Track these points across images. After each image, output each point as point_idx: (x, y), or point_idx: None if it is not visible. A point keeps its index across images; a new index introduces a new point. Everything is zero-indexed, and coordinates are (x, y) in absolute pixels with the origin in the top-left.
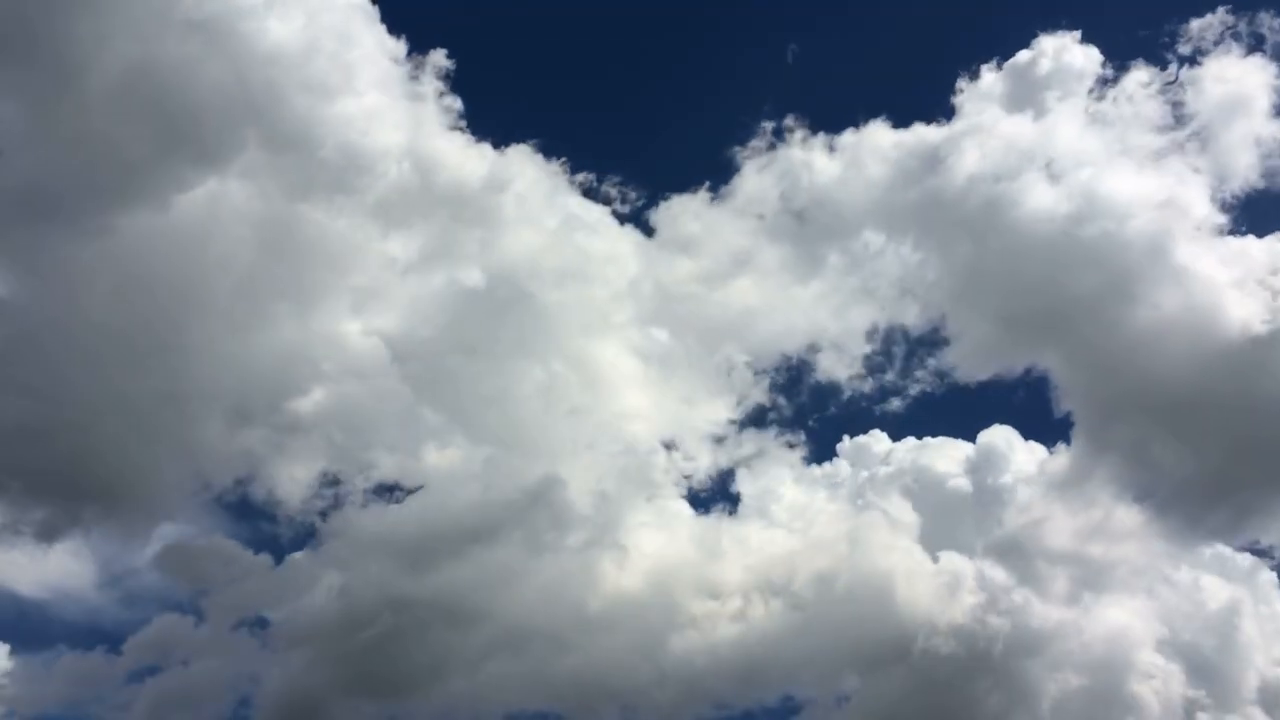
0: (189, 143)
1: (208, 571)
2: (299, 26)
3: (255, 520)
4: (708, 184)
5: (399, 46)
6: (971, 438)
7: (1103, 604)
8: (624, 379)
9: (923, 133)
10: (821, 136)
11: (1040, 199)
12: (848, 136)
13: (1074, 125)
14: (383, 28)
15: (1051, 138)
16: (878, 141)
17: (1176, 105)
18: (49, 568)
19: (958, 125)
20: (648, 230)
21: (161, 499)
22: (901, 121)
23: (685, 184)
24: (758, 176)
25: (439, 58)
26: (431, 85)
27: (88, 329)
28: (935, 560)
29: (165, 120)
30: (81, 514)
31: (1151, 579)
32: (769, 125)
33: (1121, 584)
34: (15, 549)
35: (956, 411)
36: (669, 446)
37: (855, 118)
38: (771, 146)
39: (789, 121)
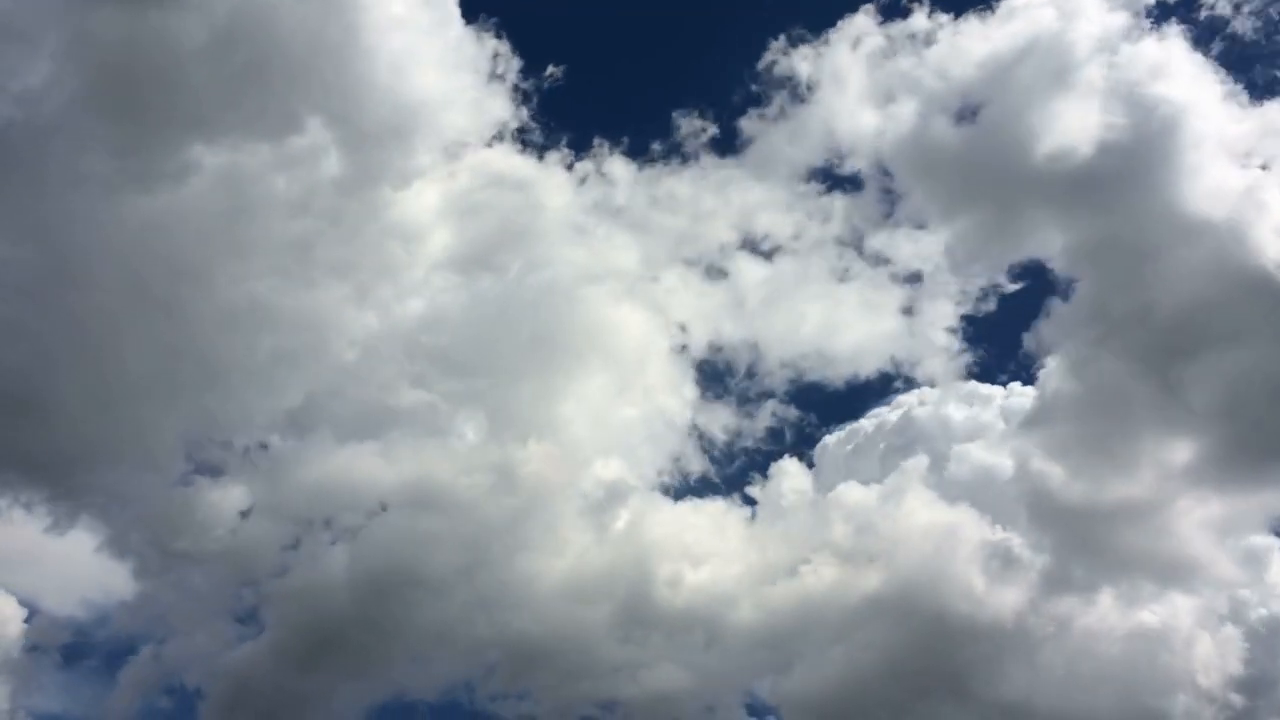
0: (249, 113)
1: (188, 548)
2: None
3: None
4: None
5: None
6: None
7: (1143, 578)
8: (647, 370)
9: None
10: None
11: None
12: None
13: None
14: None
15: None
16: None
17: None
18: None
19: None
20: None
21: (147, 478)
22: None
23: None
24: (776, 142)
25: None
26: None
27: (90, 302)
28: (960, 526)
29: (230, 88)
30: (69, 493)
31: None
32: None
33: (1167, 558)
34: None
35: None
36: (688, 432)
37: None
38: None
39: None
